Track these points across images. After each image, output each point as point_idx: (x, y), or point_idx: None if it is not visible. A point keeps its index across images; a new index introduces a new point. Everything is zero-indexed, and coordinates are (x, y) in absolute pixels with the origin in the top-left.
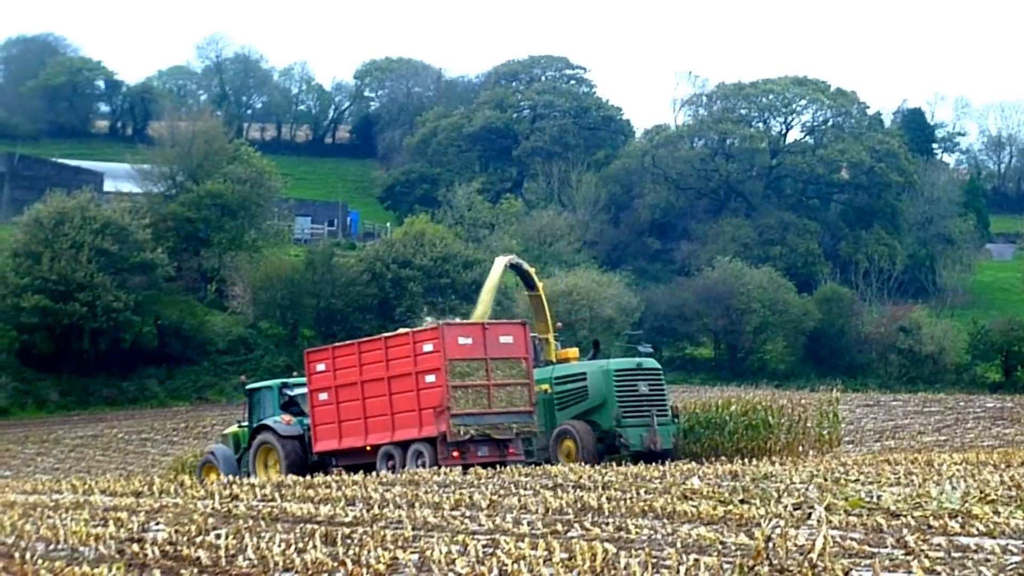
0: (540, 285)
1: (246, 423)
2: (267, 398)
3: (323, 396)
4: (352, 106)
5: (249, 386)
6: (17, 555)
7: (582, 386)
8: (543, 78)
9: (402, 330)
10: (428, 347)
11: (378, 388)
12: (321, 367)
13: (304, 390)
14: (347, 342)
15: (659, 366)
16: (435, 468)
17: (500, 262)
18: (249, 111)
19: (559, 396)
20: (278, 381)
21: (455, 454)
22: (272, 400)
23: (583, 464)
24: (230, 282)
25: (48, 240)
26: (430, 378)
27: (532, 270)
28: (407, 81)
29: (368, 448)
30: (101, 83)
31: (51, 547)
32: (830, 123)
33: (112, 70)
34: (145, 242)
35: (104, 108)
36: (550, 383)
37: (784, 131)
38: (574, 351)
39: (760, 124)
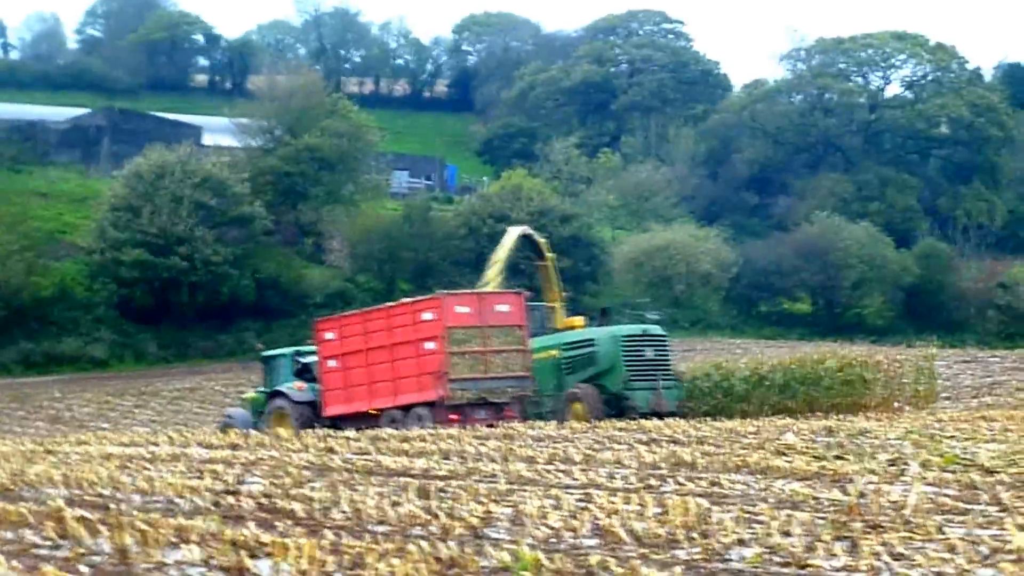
0: (550, 256)
1: (263, 389)
2: (282, 365)
3: (332, 363)
4: (450, 60)
5: (265, 354)
6: (113, 506)
7: (591, 351)
8: (641, 32)
9: (404, 300)
10: (428, 316)
11: (382, 355)
12: (330, 335)
13: (316, 358)
14: (353, 311)
15: (664, 332)
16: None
17: (513, 232)
18: (347, 65)
19: (567, 361)
20: (292, 349)
21: (453, 417)
22: (286, 367)
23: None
24: (327, 236)
25: (148, 194)
26: (430, 345)
27: (543, 241)
28: (505, 35)
29: (374, 412)
30: (200, 37)
31: (147, 499)
32: (929, 78)
33: (211, 24)
34: (244, 196)
35: (203, 62)
36: (558, 349)
37: (883, 86)
38: (580, 319)
39: (859, 79)
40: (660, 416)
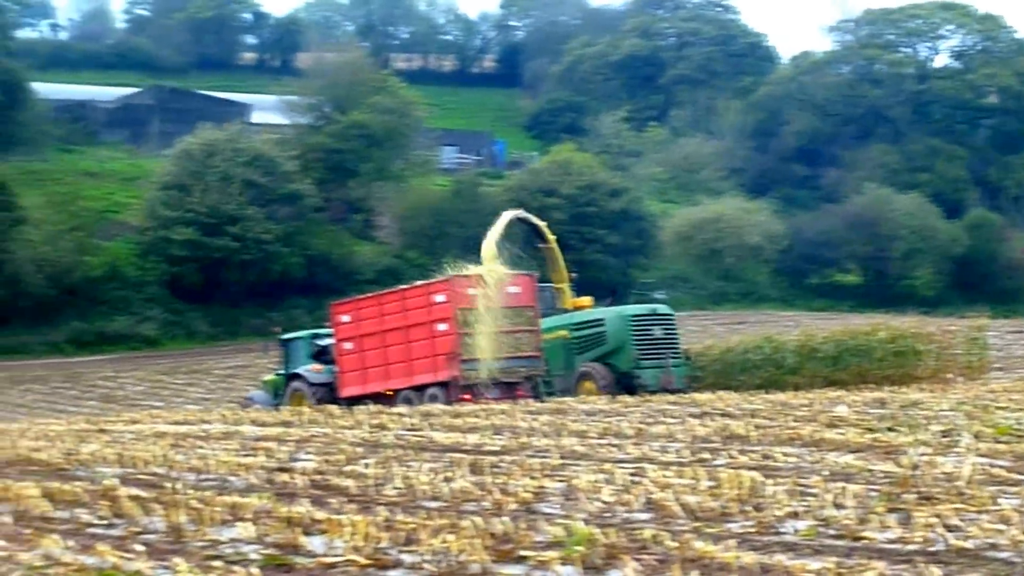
0: (552, 237)
1: (282, 371)
2: (300, 348)
3: (348, 345)
4: (497, 35)
5: (283, 337)
6: (168, 485)
7: (601, 331)
8: (688, 5)
9: (417, 282)
10: (440, 298)
11: (397, 337)
12: (346, 318)
13: (332, 340)
14: (368, 295)
15: (672, 312)
16: (581, 397)
17: (505, 216)
18: (395, 42)
19: (577, 341)
20: (309, 332)
21: (466, 396)
22: (304, 350)
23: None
24: (377, 212)
25: (197, 173)
26: (442, 327)
27: (542, 224)
28: (552, 10)
29: (389, 392)
30: (248, 15)
31: (201, 477)
32: (977, 48)
33: (258, 2)
34: (293, 173)
35: (251, 40)
36: (568, 329)
37: (931, 56)
38: (588, 300)
39: (907, 49)
40: (670, 392)
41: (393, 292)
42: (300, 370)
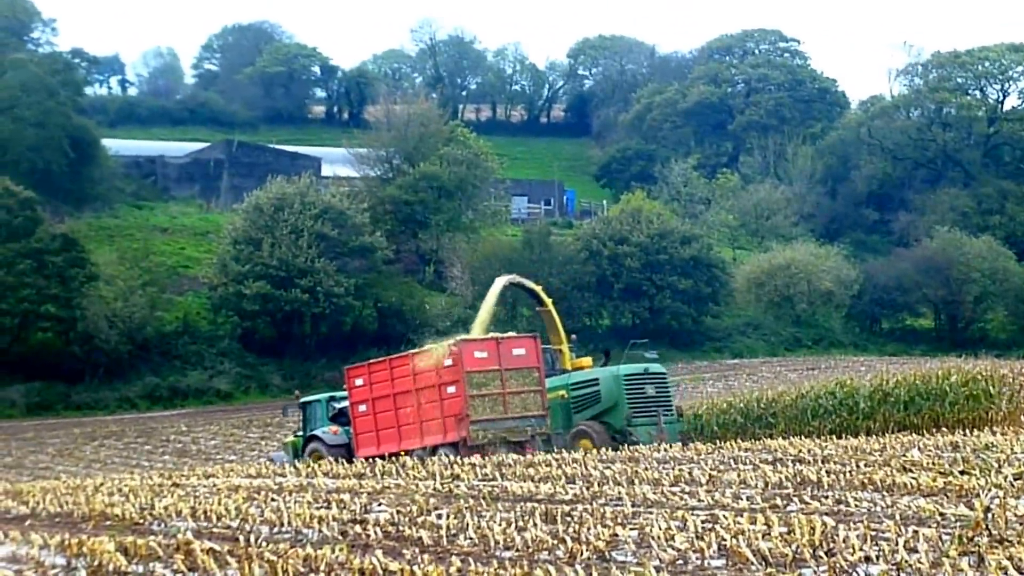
0: (548, 300)
1: (301, 432)
2: (317, 410)
3: (362, 408)
4: (566, 85)
5: (302, 400)
6: (242, 538)
7: (595, 391)
8: (757, 51)
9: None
10: (448, 361)
11: (408, 399)
12: (359, 381)
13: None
14: (380, 359)
15: (664, 371)
16: (654, 445)
17: (499, 282)
18: (464, 92)
19: (575, 400)
20: (327, 395)
21: (476, 457)
22: (322, 412)
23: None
24: (448, 263)
25: (268, 226)
26: (451, 389)
27: (537, 287)
28: (620, 58)
29: (403, 453)
30: (317, 69)
31: (275, 530)
32: None
33: (327, 56)
34: (364, 226)
35: (320, 93)
36: (567, 389)
37: (1001, 98)
38: (587, 360)
39: (976, 92)
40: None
41: (403, 356)
42: (318, 432)
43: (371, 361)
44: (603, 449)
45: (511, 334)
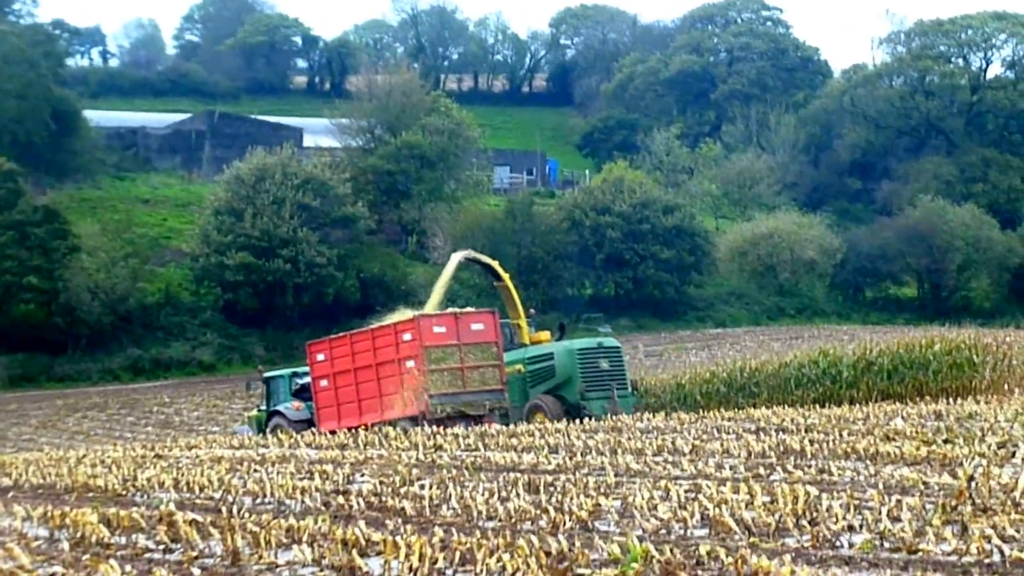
0: (506, 275)
1: (264, 408)
2: (280, 386)
3: (324, 383)
4: (548, 54)
5: (265, 375)
6: (224, 509)
7: (550, 365)
8: (739, 20)
9: (386, 320)
10: (407, 336)
11: (368, 374)
12: (321, 357)
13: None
14: (340, 335)
15: (618, 345)
16: (635, 415)
17: (455, 257)
18: (445, 63)
19: (531, 375)
20: (289, 371)
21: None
22: (285, 387)
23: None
24: (431, 233)
25: (250, 197)
26: (410, 364)
27: (494, 262)
28: (602, 27)
29: (364, 427)
30: (298, 39)
31: (258, 500)
32: None
33: (308, 26)
34: (346, 196)
35: (301, 64)
36: (523, 363)
37: (984, 67)
38: (546, 334)
39: (959, 60)
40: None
41: (363, 332)
42: (280, 407)
43: (332, 337)
44: (588, 420)
45: (469, 309)
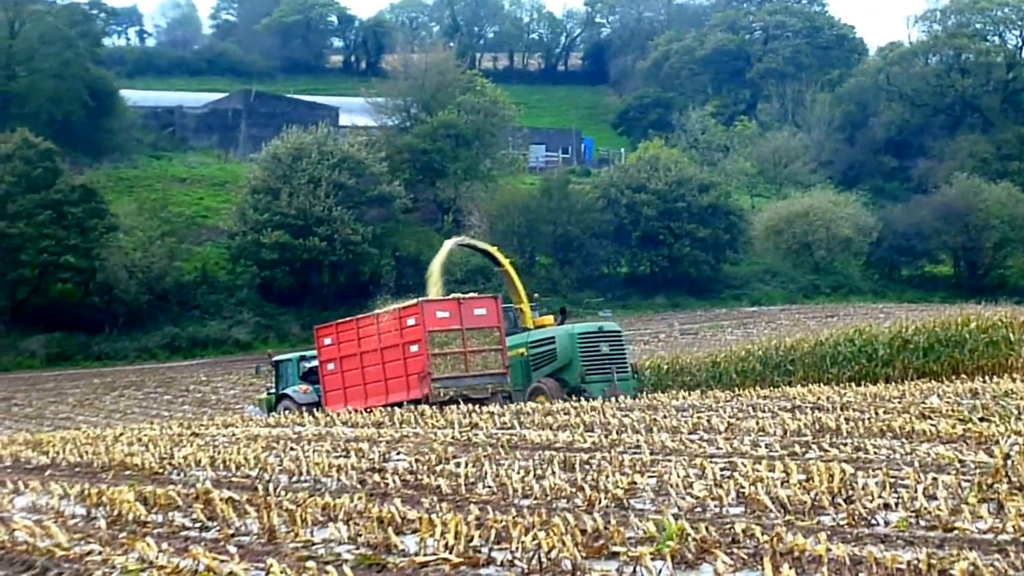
0: (505, 261)
1: (273, 391)
2: (289, 369)
3: (330, 366)
4: (583, 33)
5: (275, 359)
6: (261, 487)
7: (551, 348)
8: None
9: (391, 307)
10: (411, 321)
11: (373, 358)
12: (327, 341)
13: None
14: (347, 319)
15: (619, 329)
16: (672, 393)
17: (448, 244)
18: (481, 41)
19: (533, 358)
20: (297, 354)
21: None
22: (293, 370)
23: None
24: (466, 212)
25: (286, 176)
26: (414, 348)
27: (492, 248)
28: (638, 6)
29: (368, 410)
30: (334, 18)
31: (294, 479)
32: None
33: (344, 5)
34: (381, 175)
35: (337, 43)
36: (526, 347)
37: (1020, 44)
38: (549, 318)
39: (995, 38)
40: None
41: (368, 316)
42: (288, 390)
43: (339, 321)
44: (622, 398)
45: (472, 294)
